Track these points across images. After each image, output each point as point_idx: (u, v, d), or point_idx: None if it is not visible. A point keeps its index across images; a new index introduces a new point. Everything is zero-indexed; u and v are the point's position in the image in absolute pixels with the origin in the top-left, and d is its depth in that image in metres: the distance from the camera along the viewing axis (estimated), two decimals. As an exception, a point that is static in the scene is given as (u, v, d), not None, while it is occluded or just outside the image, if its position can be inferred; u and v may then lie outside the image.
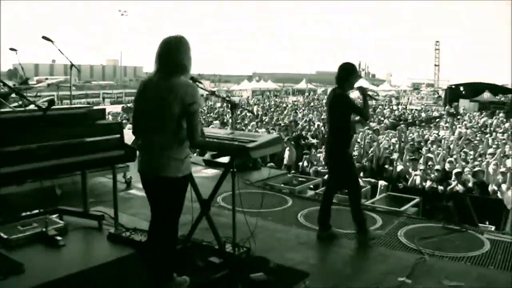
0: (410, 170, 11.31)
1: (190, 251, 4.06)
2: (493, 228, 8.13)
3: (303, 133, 17.74)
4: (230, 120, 12.99)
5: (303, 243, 5.58)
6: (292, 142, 14.58)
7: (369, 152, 12.67)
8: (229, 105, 4.78)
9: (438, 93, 53.55)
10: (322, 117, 24.86)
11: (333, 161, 5.74)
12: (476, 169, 10.77)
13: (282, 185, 8.74)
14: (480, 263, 5.29)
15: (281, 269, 4.06)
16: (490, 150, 13.43)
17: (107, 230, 5.11)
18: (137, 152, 3.93)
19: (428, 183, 10.48)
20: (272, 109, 32.09)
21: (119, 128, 4.71)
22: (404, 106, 41.06)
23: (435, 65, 76.42)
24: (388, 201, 8.86)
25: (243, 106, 12.68)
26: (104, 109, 5.25)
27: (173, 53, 3.60)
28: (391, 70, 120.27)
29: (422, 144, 15.78)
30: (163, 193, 3.61)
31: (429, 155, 12.66)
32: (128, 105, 33.50)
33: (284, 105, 37.49)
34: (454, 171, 10.64)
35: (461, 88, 42.12)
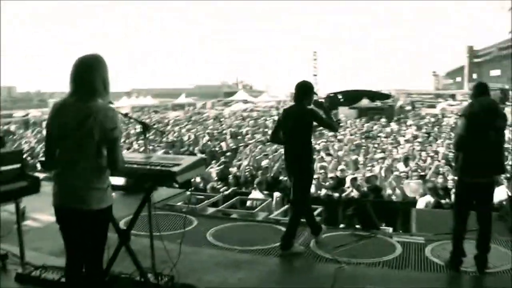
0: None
1: (111, 286, 3.81)
2: (391, 229, 8.71)
3: (190, 148, 17.70)
4: (143, 143, 12.65)
5: (219, 263, 5.52)
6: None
7: (262, 165, 12.91)
8: (142, 127, 4.61)
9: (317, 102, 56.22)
10: (208, 131, 24.97)
11: (300, 175, 6.05)
12: (368, 174, 11.41)
13: (183, 204, 8.62)
14: (397, 266, 5.60)
15: (210, 294, 3.96)
16: (379, 155, 14.35)
17: (13, 270, 4.76)
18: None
19: (323, 191, 10.90)
20: (155, 125, 31.63)
21: (20, 157, 4.35)
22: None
23: (314, 75, 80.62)
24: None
25: (154, 127, 12.46)
26: (1, 137, 4.84)
27: (91, 73, 3.39)
28: (268, 81, 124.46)
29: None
30: (86, 227, 3.37)
31: (322, 163, 13.20)
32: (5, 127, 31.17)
33: (166, 120, 37.11)
34: (348, 177, 11.20)
35: (340, 96, 44.55)
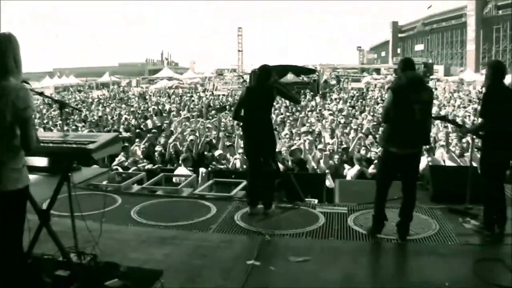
0: (228, 155, 11.78)
1: (34, 268, 3.70)
2: (316, 201, 8.95)
3: (115, 127, 17.32)
4: (60, 121, 12.14)
5: (144, 240, 5.48)
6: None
7: (188, 140, 12.83)
8: (58, 105, 4.46)
9: (242, 78, 56.26)
10: (132, 109, 24.50)
11: (273, 146, 6.84)
12: (293, 147, 11.59)
13: (106, 183, 8.46)
14: (320, 236, 5.77)
15: (133, 271, 3.92)
16: (304, 129, 14.60)
17: None
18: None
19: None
20: (79, 105, 30.66)
21: None
22: (210, 92, 42.34)
23: (239, 51, 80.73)
24: (216, 187, 9.12)
25: (70, 105, 12.10)
26: None
27: (2, 52, 3.29)
28: (194, 58, 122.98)
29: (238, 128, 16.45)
30: (2, 208, 3.27)
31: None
32: None
33: (90, 100, 36.05)
34: (293, 147, 11.34)
35: (264, 71, 44.86)
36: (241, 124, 6.94)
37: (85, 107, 28.54)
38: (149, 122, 20.45)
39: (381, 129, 12.85)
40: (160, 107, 26.06)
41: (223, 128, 15.84)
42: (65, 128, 13.16)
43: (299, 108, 23.33)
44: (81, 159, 4.09)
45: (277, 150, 11.07)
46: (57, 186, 4.03)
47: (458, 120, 16.32)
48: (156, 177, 9.42)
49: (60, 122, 14.92)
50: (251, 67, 56.60)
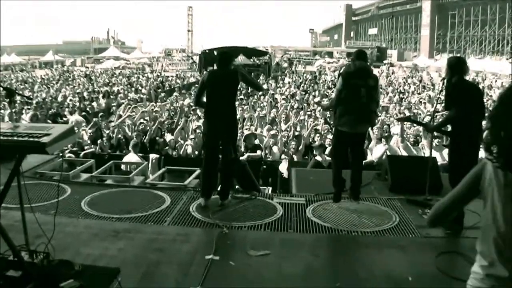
0: (180, 139, 11.68)
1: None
2: (269, 189, 8.99)
3: (60, 110, 16.82)
4: (8, 111, 11.64)
5: (96, 234, 5.35)
6: (49, 121, 13.74)
7: (136, 125, 12.62)
8: (5, 94, 4.24)
9: (192, 59, 55.72)
10: (78, 91, 23.84)
11: (235, 134, 6.84)
12: (247, 133, 11.56)
13: (53, 171, 8.23)
14: (278, 228, 5.79)
15: (88, 270, 3.81)
16: (256, 114, 14.59)
17: None
18: None
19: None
20: (21, 86, 29.59)
21: None
22: (158, 74, 41.75)
23: (188, 31, 79.61)
24: (168, 176, 9.03)
25: (20, 93, 11.68)
26: None
27: None
28: (142, 37, 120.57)
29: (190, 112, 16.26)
30: None
31: (198, 123, 13.18)
32: None
33: (32, 80, 34.84)
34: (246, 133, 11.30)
35: (215, 53, 44.45)
36: (203, 110, 6.80)
37: (28, 88, 27.63)
38: (95, 104, 20.01)
39: (328, 113, 13.13)
40: (107, 89, 25.48)
41: (174, 112, 15.66)
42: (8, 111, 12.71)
43: (249, 92, 23.31)
44: (34, 153, 3.91)
45: (247, 132, 11.13)
46: (7, 182, 3.87)
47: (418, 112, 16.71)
48: (105, 164, 9.24)
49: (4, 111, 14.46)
50: (200, 48, 56.30)
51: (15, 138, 3.71)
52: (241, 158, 10.11)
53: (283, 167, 10.10)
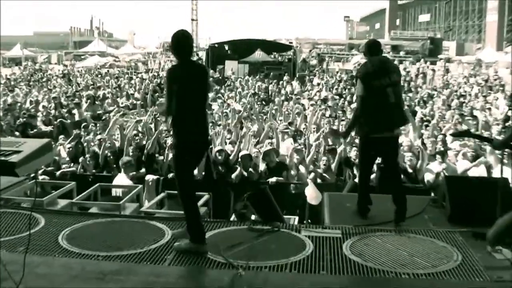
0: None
1: None
2: (295, 219, 8.96)
3: (32, 120, 17.01)
4: None
5: (77, 276, 5.36)
6: (16, 133, 13.93)
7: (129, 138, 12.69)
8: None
9: (197, 55, 56.08)
10: (54, 95, 24.06)
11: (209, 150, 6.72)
12: (267, 148, 11.56)
13: (23, 197, 8.33)
14: (308, 268, 5.74)
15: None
16: (278, 124, 14.59)
17: None
18: None
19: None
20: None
21: None
22: (155, 74, 41.88)
23: (192, 20, 79.60)
24: (169, 202, 9.06)
25: None
26: None
27: None
28: (134, 28, 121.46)
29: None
30: None
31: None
32: None
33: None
34: (241, 153, 11.30)
35: (226, 47, 44.76)
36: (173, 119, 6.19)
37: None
38: (76, 112, 20.11)
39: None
40: (90, 92, 25.68)
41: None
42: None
43: (271, 97, 23.38)
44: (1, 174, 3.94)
45: (243, 153, 11.14)
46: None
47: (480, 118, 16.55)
48: (89, 188, 9.30)
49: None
50: (208, 42, 56.64)
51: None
52: (269, 180, 10.19)
53: (311, 191, 10.05)
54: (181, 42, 6.06)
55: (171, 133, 6.62)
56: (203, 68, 6.45)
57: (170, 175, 10.59)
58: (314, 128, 14.00)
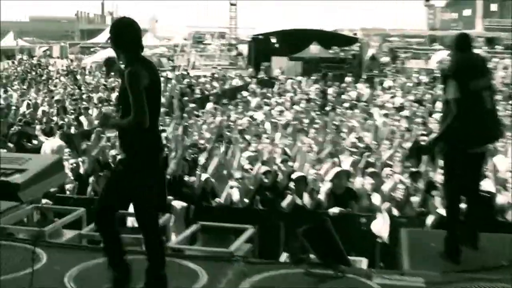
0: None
1: None
2: (364, 261, 8.88)
3: (29, 129, 17.19)
4: None
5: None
6: (10, 144, 14.14)
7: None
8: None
9: (236, 48, 56.22)
10: (56, 98, 24.37)
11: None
12: (336, 169, 11.50)
13: (19, 226, 8.43)
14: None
15: None
16: (348, 142, 14.52)
17: None
18: None
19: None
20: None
21: None
22: (184, 72, 42.01)
23: (231, 4, 79.30)
24: (203, 237, 9.07)
25: None
26: None
27: None
28: (156, 14, 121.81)
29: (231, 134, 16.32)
30: None
31: (249, 152, 13.26)
32: None
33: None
34: (293, 175, 11.28)
35: (274, 40, 44.80)
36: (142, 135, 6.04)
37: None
38: (83, 119, 20.25)
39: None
40: (103, 95, 25.91)
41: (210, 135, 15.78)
42: None
43: (330, 103, 23.34)
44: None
45: (297, 174, 11.12)
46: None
47: None
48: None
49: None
50: (250, 32, 56.69)
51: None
52: (331, 211, 10.15)
53: (381, 226, 9.99)
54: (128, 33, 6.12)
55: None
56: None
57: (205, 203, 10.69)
58: (388, 144, 13.89)
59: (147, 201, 6.03)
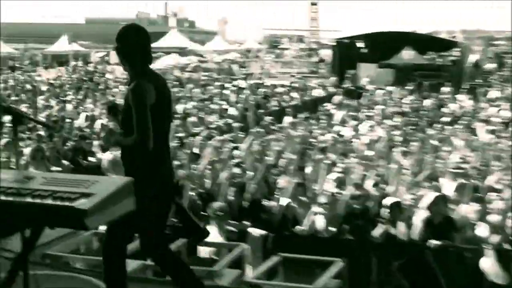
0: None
1: None
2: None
3: (82, 142, 17.41)
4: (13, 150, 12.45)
5: None
6: (65, 162, 14.38)
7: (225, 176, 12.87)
8: (11, 118, 4.51)
9: (318, 54, 56.14)
10: (102, 102, 24.66)
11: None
12: (434, 194, 11.40)
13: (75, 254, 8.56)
14: None
15: None
16: (451, 163, 14.36)
17: None
18: None
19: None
20: (16, 93, 31.20)
21: None
22: (258, 81, 41.91)
23: (312, 4, 79.12)
24: (285, 271, 9.05)
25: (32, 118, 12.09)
26: None
27: None
28: (225, 15, 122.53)
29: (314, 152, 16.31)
30: None
31: (337, 174, 13.24)
32: None
33: (30, 85, 36.40)
34: (387, 199, 11.23)
35: (361, 44, 44.54)
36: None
37: (28, 96, 28.88)
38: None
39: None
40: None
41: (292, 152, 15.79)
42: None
43: (426, 117, 23.17)
44: (61, 227, 4.04)
45: (391, 199, 11.06)
46: (9, 275, 4.04)
47: None
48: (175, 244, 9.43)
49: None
50: (334, 36, 56.53)
51: (30, 199, 3.86)
52: (430, 242, 10.06)
53: (491, 262, 9.86)
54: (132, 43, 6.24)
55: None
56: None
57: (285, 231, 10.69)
58: (495, 165, 13.73)
59: (149, 225, 6.11)
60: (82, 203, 3.77)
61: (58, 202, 3.84)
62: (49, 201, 3.87)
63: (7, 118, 6.30)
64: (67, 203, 3.81)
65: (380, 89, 34.44)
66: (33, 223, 4.04)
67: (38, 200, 3.90)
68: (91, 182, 4.11)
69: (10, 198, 3.97)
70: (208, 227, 10.47)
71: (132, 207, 4.24)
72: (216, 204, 10.78)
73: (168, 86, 6.49)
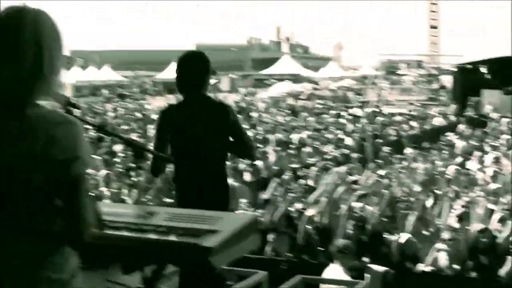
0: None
1: None
2: None
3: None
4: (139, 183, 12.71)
5: None
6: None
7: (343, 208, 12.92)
8: (133, 150, 4.67)
9: (438, 80, 55.45)
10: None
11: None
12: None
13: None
14: None
15: None
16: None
17: None
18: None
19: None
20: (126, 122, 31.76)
21: None
22: (376, 109, 41.58)
23: (432, 27, 78.13)
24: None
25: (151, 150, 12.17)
26: None
27: (30, 46, 2.98)
28: (341, 41, 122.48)
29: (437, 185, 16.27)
30: None
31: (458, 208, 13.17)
32: None
33: (140, 114, 37.07)
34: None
35: (485, 69, 43.84)
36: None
37: (139, 127, 29.38)
38: (260, 164, 20.41)
39: None
40: (281, 136, 26.18)
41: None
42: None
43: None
44: (186, 265, 4.13)
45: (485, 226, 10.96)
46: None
47: None
48: (287, 281, 9.46)
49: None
50: (455, 61, 55.74)
51: (152, 236, 3.99)
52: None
53: None
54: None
55: None
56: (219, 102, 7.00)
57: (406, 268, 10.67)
58: None
59: None
60: (207, 240, 3.81)
61: (183, 239, 3.92)
62: (173, 238, 3.97)
63: (119, 148, 6.56)
64: (191, 240, 3.86)
65: (506, 117, 33.68)
66: (156, 260, 4.13)
67: (162, 237, 4.01)
68: (215, 219, 4.17)
69: (133, 234, 4.09)
70: (332, 265, 10.55)
71: (257, 245, 4.30)
72: (341, 242, 10.80)
73: (207, 111, 6.70)
